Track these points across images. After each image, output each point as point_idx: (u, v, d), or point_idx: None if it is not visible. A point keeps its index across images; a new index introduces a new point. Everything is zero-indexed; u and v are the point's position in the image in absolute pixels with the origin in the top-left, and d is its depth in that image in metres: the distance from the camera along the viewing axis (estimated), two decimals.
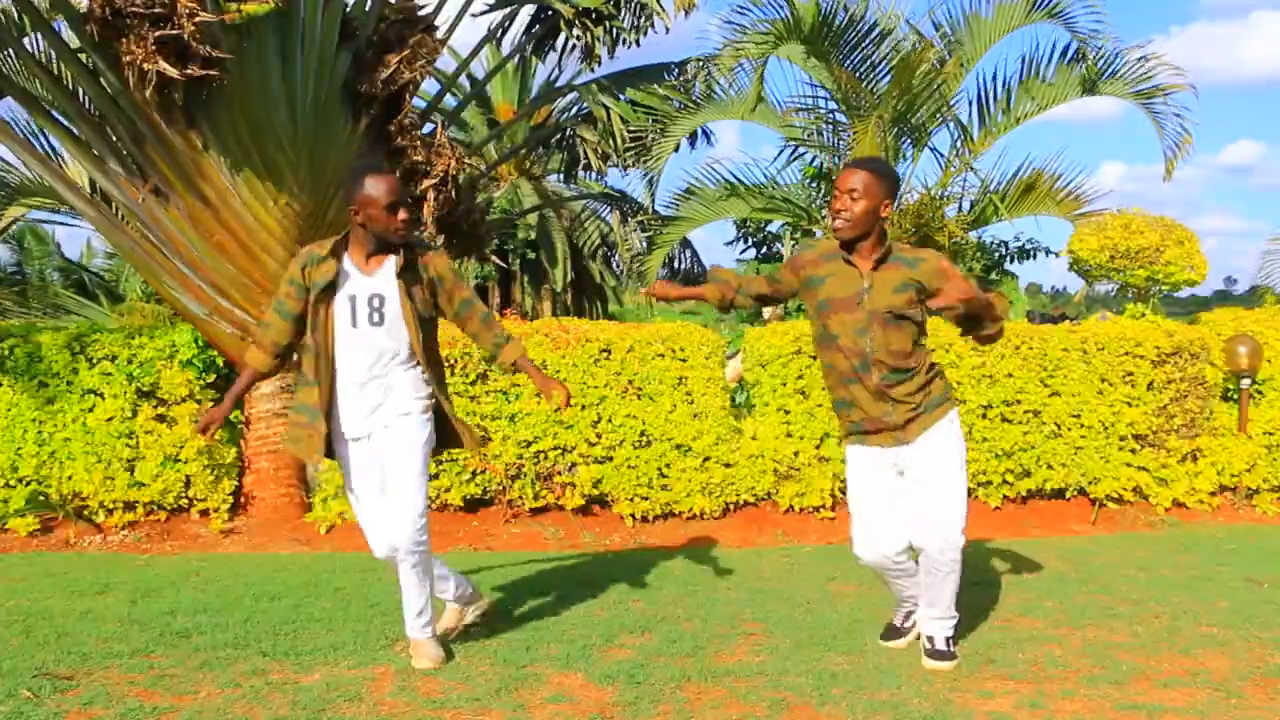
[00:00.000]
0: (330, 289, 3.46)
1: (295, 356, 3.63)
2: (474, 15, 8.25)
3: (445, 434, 3.69)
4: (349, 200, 3.44)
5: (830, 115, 9.88)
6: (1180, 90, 8.85)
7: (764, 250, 12.14)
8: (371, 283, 3.46)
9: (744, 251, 12.20)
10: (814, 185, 10.78)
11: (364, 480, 3.58)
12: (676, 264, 15.52)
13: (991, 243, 11.31)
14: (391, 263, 3.47)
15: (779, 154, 10.23)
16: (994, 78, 9.57)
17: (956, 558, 3.52)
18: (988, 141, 9.66)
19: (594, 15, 8.25)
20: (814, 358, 6.29)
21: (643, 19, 8.44)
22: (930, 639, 3.63)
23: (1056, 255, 10.95)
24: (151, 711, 3.04)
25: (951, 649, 3.62)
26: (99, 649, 3.64)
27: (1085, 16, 8.78)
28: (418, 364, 3.54)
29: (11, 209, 9.30)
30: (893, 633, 3.86)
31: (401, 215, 3.40)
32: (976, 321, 3.54)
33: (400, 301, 3.46)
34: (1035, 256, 11.09)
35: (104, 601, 4.38)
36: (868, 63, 9.01)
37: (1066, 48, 9.11)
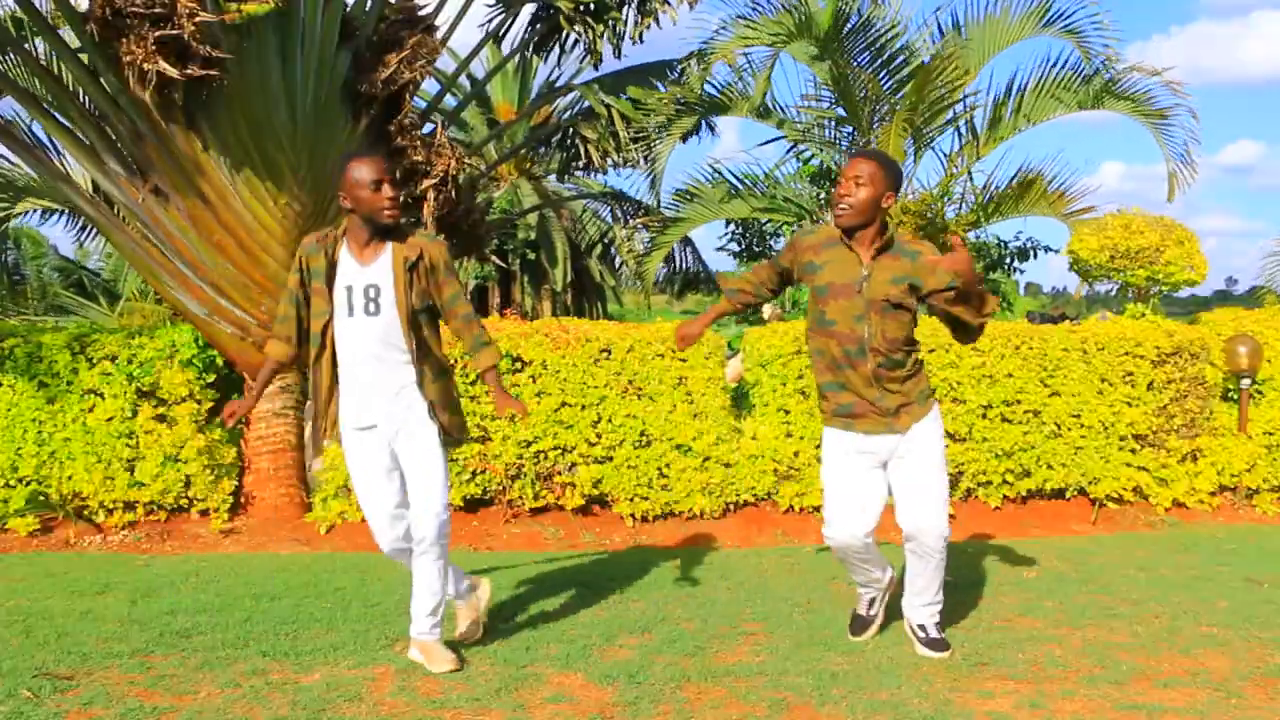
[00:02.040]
0: (328, 278, 3.47)
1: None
2: (480, 26, 8.26)
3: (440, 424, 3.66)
4: (339, 189, 3.46)
5: (834, 114, 9.89)
6: (1185, 99, 8.88)
7: (760, 249, 12.11)
8: (368, 272, 3.46)
9: (741, 251, 12.17)
10: (815, 184, 10.78)
11: (372, 469, 3.54)
12: (679, 263, 15.44)
13: (992, 240, 11.31)
14: (389, 252, 3.47)
15: (766, 141, 10.26)
16: (1007, 85, 9.62)
17: (945, 544, 3.64)
18: (991, 145, 9.68)
19: (595, 11, 8.24)
20: None
21: (644, 14, 8.43)
22: (923, 627, 3.72)
23: (1056, 252, 10.96)
24: (151, 711, 3.04)
25: (944, 636, 3.72)
26: (99, 649, 3.64)
27: (1095, 33, 8.85)
28: (414, 356, 3.52)
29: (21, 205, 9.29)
30: (860, 624, 3.91)
31: (387, 192, 3.41)
32: (966, 304, 3.53)
33: (395, 292, 3.45)
34: (1035, 255, 11.09)
35: (104, 601, 4.38)
36: (876, 63, 9.02)
37: (1077, 62, 9.14)
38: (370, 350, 3.47)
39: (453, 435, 3.64)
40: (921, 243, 3.61)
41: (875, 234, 3.52)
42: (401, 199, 3.53)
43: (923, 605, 3.73)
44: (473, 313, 3.67)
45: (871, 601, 3.90)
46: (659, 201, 10.11)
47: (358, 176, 3.39)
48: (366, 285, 3.45)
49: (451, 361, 3.76)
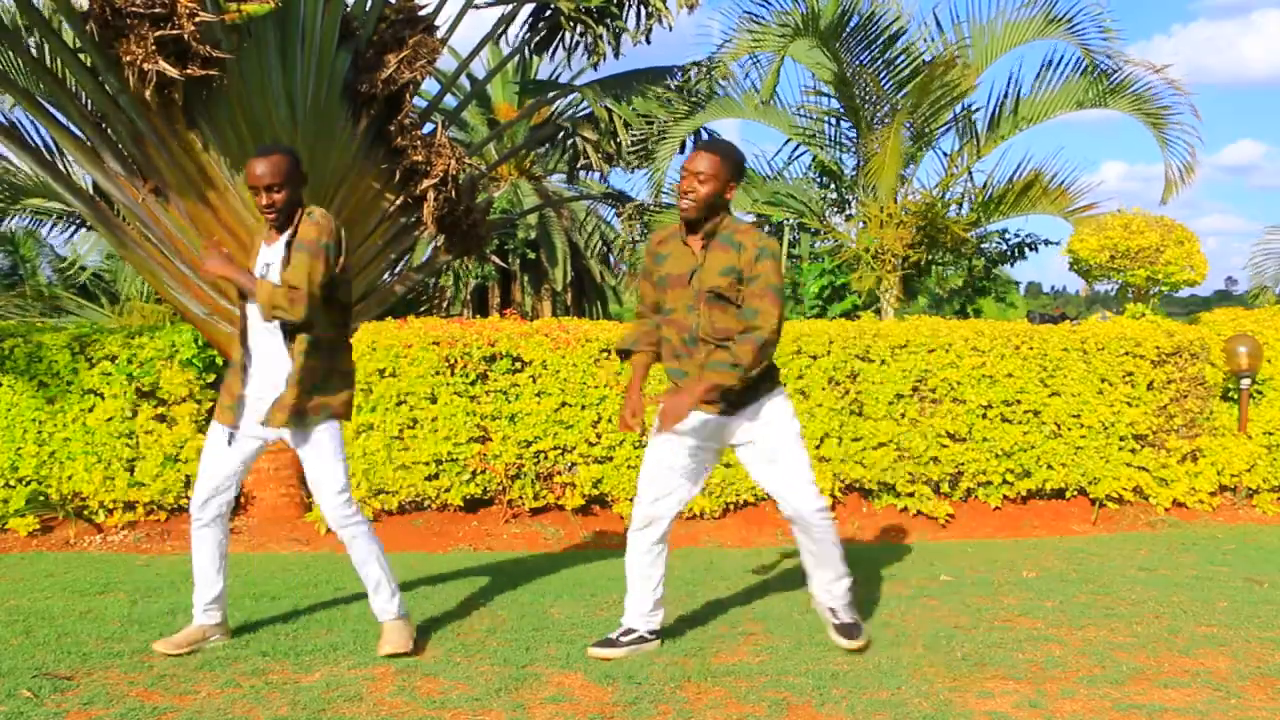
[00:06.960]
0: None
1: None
2: (476, 7, 8.18)
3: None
4: None
5: (837, 113, 9.90)
6: (1186, 95, 8.91)
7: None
8: (268, 252, 3.67)
9: None
10: (819, 182, 10.77)
11: (220, 441, 3.78)
12: None
13: (993, 234, 11.31)
14: (285, 236, 3.65)
15: (780, 148, 10.26)
16: (1008, 84, 9.69)
17: (829, 516, 3.71)
18: (992, 144, 9.69)
19: (596, 13, 8.23)
20: (814, 357, 6.30)
21: (646, 17, 8.42)
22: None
23: (1051, 244, 10.94)
24: (151, 711, 3.04)
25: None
26: (99, 649, 3.64)
27: (1097, 36, 8.88)
28: (291, 333, 3.63)
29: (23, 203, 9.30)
30: (608, 644, 3.68)
31: (262, 200, 3.55)
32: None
33: (282, 269, 3.61)
34: (1037, 249, 11.10)
35: (104, 601, 4.38)
36: (878, 62, 9.03)
37: (1077, 59, 9.18)
38: (261, 326, 3.63)
39: (318, 415, 3.72)
40: (747, 233, 3.57)
41: (712, 225, 3.55)
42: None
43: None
44: (284, 283, 3.56)
45: (629, 632, 3.72)
46: (658, 199, 10.09)
47: (247, 177, 3.59)
48: (265, 264, 3.66)
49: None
